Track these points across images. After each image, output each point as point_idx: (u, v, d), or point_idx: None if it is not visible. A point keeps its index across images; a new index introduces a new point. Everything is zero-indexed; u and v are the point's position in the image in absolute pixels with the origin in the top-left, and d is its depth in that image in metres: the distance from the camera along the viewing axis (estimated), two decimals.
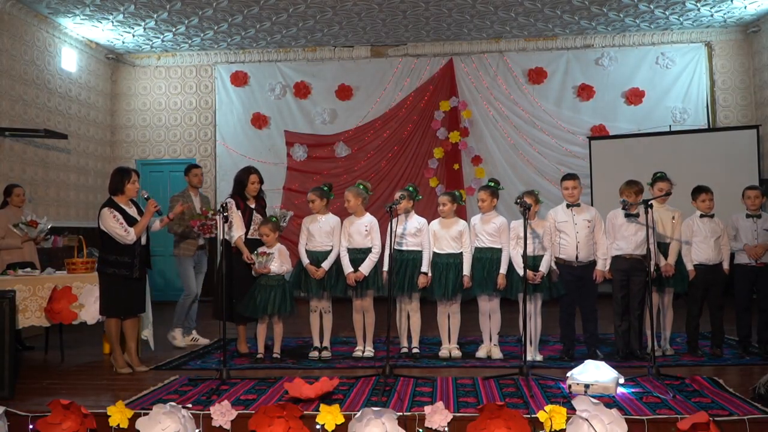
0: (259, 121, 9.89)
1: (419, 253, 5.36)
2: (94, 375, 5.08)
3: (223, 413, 3.71)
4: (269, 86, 9.90)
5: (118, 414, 3.74)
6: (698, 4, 8.30)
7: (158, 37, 9.22)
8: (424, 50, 9.70)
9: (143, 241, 5.17)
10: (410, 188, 5.51)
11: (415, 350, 5.45)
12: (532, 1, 8.14)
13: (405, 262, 5.36)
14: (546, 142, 9.49)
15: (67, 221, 8.50)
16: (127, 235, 4.98)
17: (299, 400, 3.92)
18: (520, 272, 5.09)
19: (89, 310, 5.37)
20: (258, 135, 9.91)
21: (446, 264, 5.32)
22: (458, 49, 9.66)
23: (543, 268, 5.12)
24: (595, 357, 4.90)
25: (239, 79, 9.95)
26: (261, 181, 5.80)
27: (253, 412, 3.73)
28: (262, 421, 3.63)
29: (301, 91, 9.86)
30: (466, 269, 5.28)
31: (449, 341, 5.45)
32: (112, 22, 8.48)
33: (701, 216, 5.30)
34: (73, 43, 8.92)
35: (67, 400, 3.77)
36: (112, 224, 4.97)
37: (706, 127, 9.29)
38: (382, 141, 9.69)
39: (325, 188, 5.56)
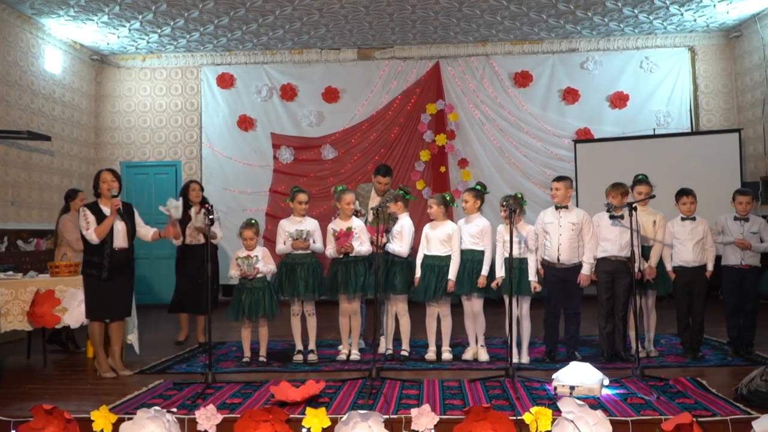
0: (246, 123, 9.86)
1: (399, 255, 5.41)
2: (77, 379, 5.03)
3: (208, 417, 3.69)
4: (255, 88, 9.87)
5: (101, 419, 3.71)
6: (682, 9, 8.39)
7: (143, 39, 9.16)
8: (410, 53, 9.72)
9: (120, 243, 5.09)
10: (400, 191, 5.53)
11: (404, 353, 5.45)
12: (518, 5, 8.18)
13: (387, 263, 5.37)
14: (532, 145, 9.54)
15: (50, 224, 8.39)
16: (87, 234, 4.99)
17: (285, 403, 3.91)
18: (500, 273, 5.14)
19: (72, 314, 5.32)
20: (244, 137, 9.88)
21: (430, 266, 5.33)
22: (445, 52, 9.69)
23: (532, 276, 5.14)
24: (573, 358, 4.94)
25: (225, 81, 9.91)
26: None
27: (239, 416, 3.71)
28: (248, 425, 3.62)
29: (288, 93, 9.84)
30: (452, 273, 5.28)
31: (443, 344, 5.45)
32: (97, 23, 8.42)
33: (682, 219, 5.36)
34: (57, 44, 8.84)
35: (49, 405, 3.73)
36: (80, 223, 5.03)
37: (690, 130, 9.39)
38: (369, 143, 9.69)
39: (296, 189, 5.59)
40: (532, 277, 5.14)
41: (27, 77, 8.27)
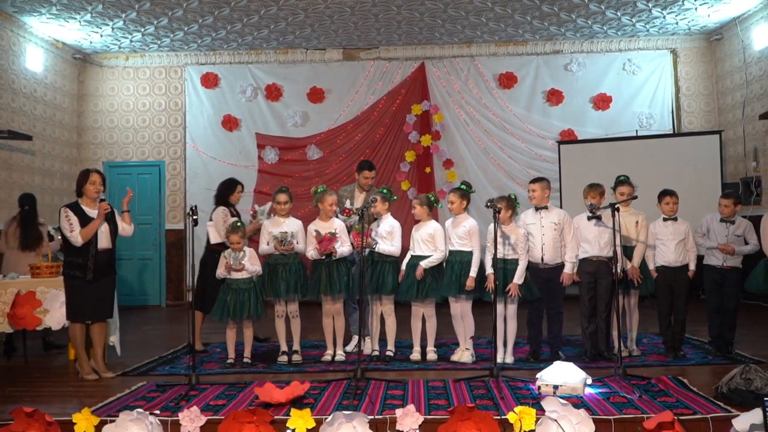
0: (230, 123, 9.81)
1: (391, 255, 5.40)
2: (59, 381, 4.98)
3: (192, 419, 3.67)
4: (240, 88, 9.83)
5: (83, 421, 3.68)
6: (664, 12, 8.49)
7: (126, 38, 9.08)
8: (396, 54, 9.73)
9: (105, 244, 5.06)
10: (384, 190, 5.54)
11: (389, 353, 5.46)
12: (502, 7, 8.22)
13: (376, 263, 5.37)
14: (516, 146, 9.60)
15: None
16: (71, 236, 4.92)
17: (270, 404, 3.90)
18: (489, 271, 5.14)
19: (54, 316, 5.27)
20: (229, 137, 9.83)
21: (413, 266, 5.35)
22: (430, 53, 9.71)
23: (517, 279, 5.12)
24: (557, 358, 4.98)
25: (210, 81, 9.86)
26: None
27: (223, 417, 3.69)
28: (232, 427, 3.60)
29: (273, 93, 9.81)
30: (424, 262, 5.27)
31: (428, 344, 5.46)
32: (80, 21, 8.34)
33: (664, 219, 5.42)
34: (39, 42, 8.73)
35: (30, 408, 3.69)
36: (63, 224, 4.95)
37: (672, 132, 9.49)
38: (354, 144, 9.69)
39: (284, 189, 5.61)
40: (517, 279, 5.12)
41: (8, 76, 8.16)
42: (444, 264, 5.39)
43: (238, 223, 5.42)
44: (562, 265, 5.30)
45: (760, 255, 5.42)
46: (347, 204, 5.95)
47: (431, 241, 5.34)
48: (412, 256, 5.41)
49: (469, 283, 5.18)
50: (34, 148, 8.65)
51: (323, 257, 5.34)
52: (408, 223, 8.43)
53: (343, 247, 5.39)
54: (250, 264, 5.30)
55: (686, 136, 9.14)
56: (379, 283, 5.35)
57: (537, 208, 5.38)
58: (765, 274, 5.31)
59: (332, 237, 5.31)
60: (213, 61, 9.86)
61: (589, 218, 5.25)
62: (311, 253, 5.39)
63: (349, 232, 5.55)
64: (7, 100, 8.15)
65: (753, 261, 5.58)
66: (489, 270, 5.15)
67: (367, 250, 5.42)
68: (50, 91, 9.13)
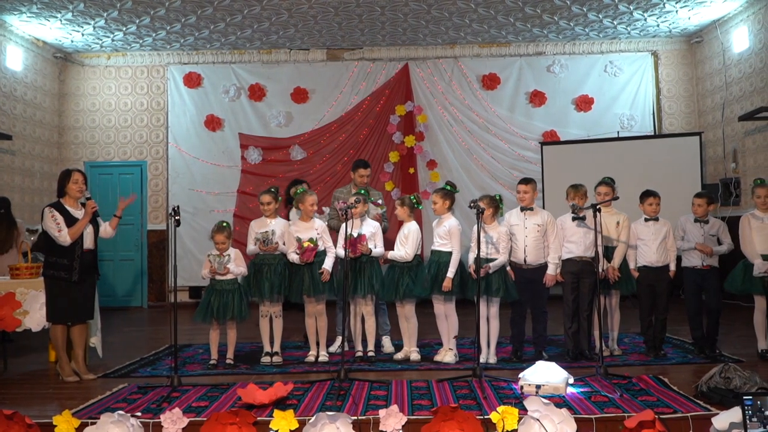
0: (213, 123, 9.75)
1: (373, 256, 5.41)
2: (39, 384, 4.92)
3: (174, 421, 3.64)
4: (223, 88, 9.77)
5: (64, 424, 3.64)
6: (645, 15, 8.58)
7: (108, 37, 9.00)
8: (380, 54, 9.74)
9: (89, 245, 5.03)
10: (362, 191, 5.55)
11: (370, 353, 5.46)
12: (486, 9, 8.26)
13: (359, 264, 5.37)
14: (499, 146, 9.65)
15: None
16: (59, 235, 4.87)
17: (253, 406, 3.89)
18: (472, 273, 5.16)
19: (34, 317, 5.20)
20: (212, 137, 9.77)
21: (392, 266, 5.40)
22: (414, 54, 9.73)
23: (492, 269, 5.13)
24: (541, 357, 5.01)
25: (192, 81, 9.79)
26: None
27: (206, 419, 3.67)
28: (215, 428, 3.58)
29: (256, 93, 9.77)
30: (389, 253, 5.35)
31: (411, 344, 5.47)
32: (61, 20, 8.24)
33: (646, 219, 5.47)
34: (19, 41, 8.62)
35: (10, 410, 3.64)
36: (49, 224, 4.89)
37: (652, 133, 9.60)
38: (338, 144, 9.68)
39: (273, 191, 5.58)
40: (492, 269, 5.11)
41: None
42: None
43: (224, 223, 5.39)
44: (545, 266, 5.33)
45: (739, 256, 5.50)
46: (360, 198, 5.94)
47: (405, 241, 5.37)
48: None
49: (446, 284, 5.17)
50: (14, 147, 8.54)
51: (303, 264, 5.34)
52: (392, 224, 8.46)
53: (329, 259, 5.38)
54: (235, 266, 5.27)
55: (667, 137, 9.25)
56: (372, 282, 5.35)
57: (522, 209, 5.40)
58: (743, 275, 5.38)
59: (314, 247, 5.30)
60: (196, 60, 9.80)
61: (573, 219, 5.29)
62: (292, 256, 5.37)
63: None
64: None
65: (731, 261, 5.66)
66: (471, 271, 5.17)
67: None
68: (30, 90, 9.01)
